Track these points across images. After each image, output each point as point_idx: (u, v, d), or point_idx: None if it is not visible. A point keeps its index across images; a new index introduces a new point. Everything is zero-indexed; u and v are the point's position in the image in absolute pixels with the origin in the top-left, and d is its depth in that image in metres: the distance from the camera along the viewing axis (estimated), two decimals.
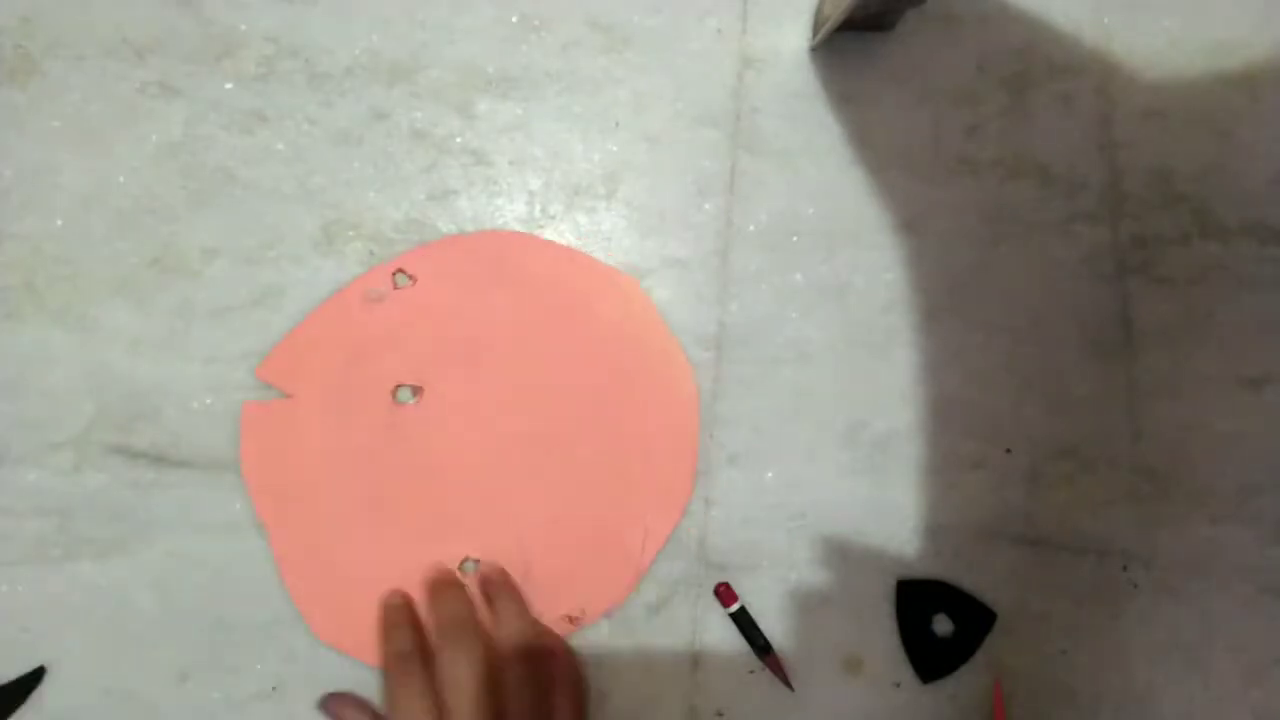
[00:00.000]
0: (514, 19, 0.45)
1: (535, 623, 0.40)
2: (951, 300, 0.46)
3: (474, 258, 0.44)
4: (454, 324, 0.43)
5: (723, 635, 0.43)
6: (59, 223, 0.42)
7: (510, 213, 0.45)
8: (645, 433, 0.43)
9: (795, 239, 0.45)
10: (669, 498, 0.43)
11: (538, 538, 0.42)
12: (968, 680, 0.44)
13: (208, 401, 0.42)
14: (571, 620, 0.42)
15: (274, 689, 0.41)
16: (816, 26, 0.46)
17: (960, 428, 0.45)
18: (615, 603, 0.42)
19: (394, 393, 0.43)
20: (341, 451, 0.42)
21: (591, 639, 0.43)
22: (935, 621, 0.43)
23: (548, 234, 0.45)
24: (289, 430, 0.42)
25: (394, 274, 0.43)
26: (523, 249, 0.44)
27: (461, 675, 0.37)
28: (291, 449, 0.42)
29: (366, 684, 0.41)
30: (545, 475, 0.42)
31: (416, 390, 0.43)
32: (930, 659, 0.43)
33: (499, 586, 0.41)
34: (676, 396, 0.44)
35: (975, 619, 0.44)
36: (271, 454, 0.42)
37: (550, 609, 0.42)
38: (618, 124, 0.45)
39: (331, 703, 0.40)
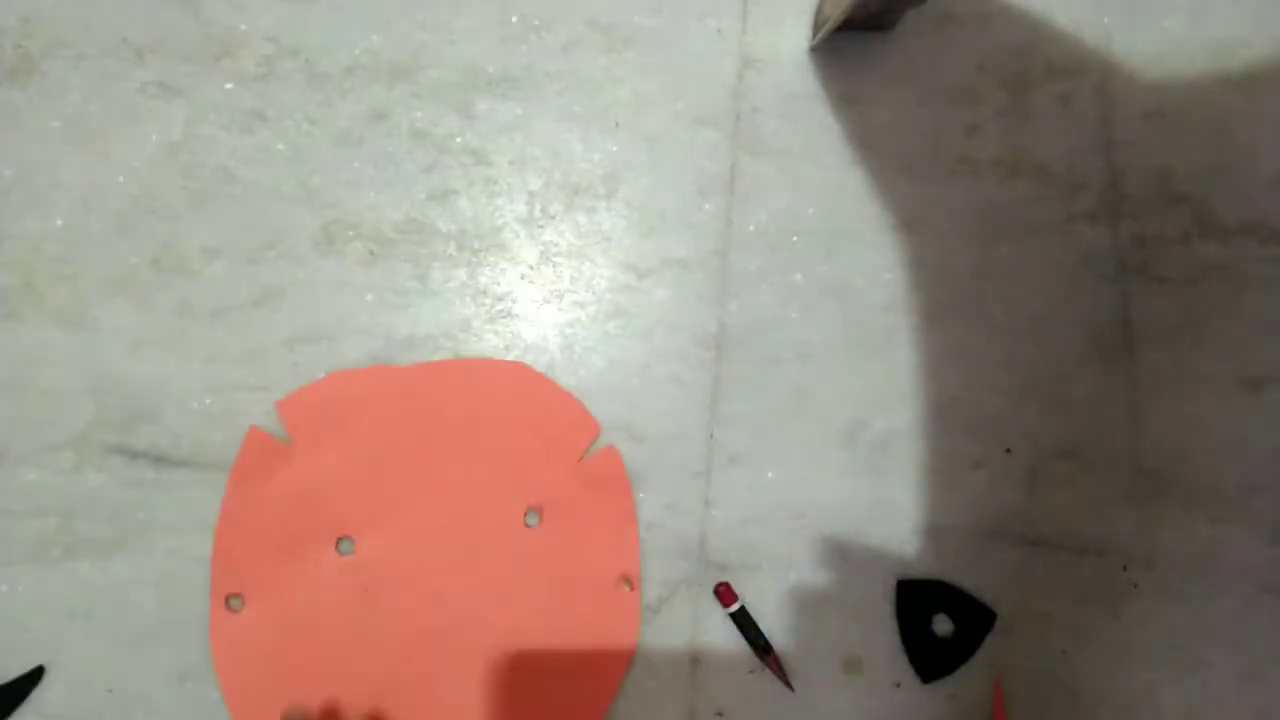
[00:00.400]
0: (514, 19, 0.45)
1: None
2: (951, 300, 0.46)
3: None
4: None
5: (723, 635, 0.43)
6: (59, 222, 0.42)
7: (510, 213, 0.45)
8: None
9: (795, 239, 0.45)
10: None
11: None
12: (968, 680, 0.44)
13: (207, 401, 0.42)
14: None
15: None
16: (816, 27, 0.46)
17: (960, 428, 0.45)
18: None
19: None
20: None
21: None
22: (935, 621, 0.43)
23: (548, 234, 0.45)
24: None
25: None
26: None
27: None
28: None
29: None
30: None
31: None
32: (930, 659, 0.43)
33: None
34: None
35: (975, 619, 0.44)
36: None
37: None
38: (618, 124, 0.45)
39: None
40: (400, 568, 0.41)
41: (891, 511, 0.45)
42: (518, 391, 0.43)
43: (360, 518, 0.42)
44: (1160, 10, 0.48)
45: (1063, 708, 0.44)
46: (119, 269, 0.42)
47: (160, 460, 0.41)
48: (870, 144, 0.46)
